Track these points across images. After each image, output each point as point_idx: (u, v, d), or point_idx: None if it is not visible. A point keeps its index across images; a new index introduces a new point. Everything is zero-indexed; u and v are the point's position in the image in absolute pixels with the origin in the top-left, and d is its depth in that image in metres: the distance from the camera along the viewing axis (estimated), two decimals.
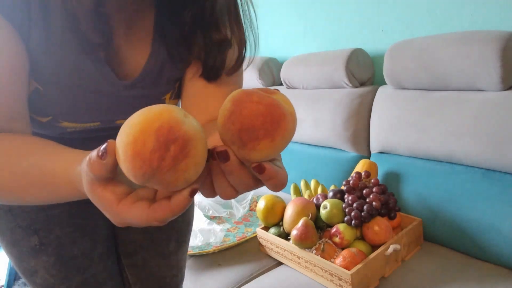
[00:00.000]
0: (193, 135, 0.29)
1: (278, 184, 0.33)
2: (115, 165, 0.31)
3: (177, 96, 0.65)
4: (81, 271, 0.73)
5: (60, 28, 0.48)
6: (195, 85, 0.60)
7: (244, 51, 0.59)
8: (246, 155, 0.31)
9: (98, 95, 0.57)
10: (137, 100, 0.60)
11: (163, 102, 0.63)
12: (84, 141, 0.64)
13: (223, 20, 0.56)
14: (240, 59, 0.59)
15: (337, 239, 0.98)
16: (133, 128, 0.29)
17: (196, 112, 0.59)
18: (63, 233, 0.71)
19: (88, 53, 0.52)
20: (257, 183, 0.34)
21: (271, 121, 0.30)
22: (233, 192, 0.34)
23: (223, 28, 0.56)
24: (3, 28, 0.46)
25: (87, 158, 0.32)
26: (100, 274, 0.75)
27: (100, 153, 0.31)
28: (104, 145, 0.31)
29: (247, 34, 0.58)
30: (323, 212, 1.03)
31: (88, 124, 0.60)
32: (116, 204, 0.33)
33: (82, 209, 0.72)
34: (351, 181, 1.07)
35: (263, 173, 0.31)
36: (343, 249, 0.97)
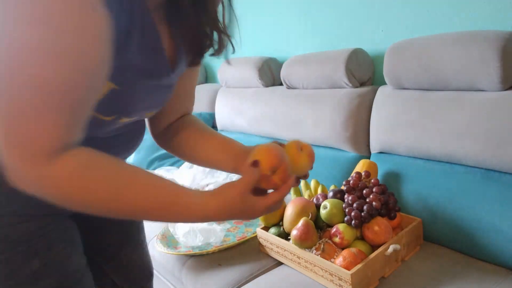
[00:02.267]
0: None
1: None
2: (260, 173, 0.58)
3: None
4: (79, 286, 0.69)
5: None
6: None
7: (223, 39, 0.63)
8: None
9: (158, 88, 0.61)
10: (166, 97, 0.66)
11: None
12: (115, 137, 0.65)
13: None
14: (220, 47, 0.63)
15: (337, 239, 0.98)
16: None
17: (174, 106, 0.72)
18: (59, 249, 0.67)
19: (159, 52, 0.57)
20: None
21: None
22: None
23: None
24: (107, 26, 0.44)
25: (244, 167, 0.59)
26: (90, 285, 0.73)
27: (252, 163, 0.58)
28: (253, 161, 0.58)
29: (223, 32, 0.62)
30: (323, 212, 1.03)
31: (132, 119, 0.63)
32: (264, 200, 0.57)
33: (67, 223, 0.69)
34: (351, 181, 1.07)
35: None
36: (343, 249, 0.97)
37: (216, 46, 0.62)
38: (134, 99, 0.58)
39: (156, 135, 0.76)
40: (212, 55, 0.64)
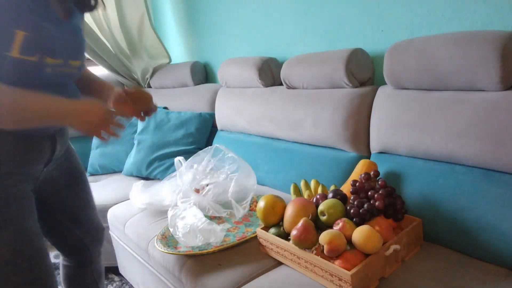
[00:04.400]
0: None
1: None
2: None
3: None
4: (31, 243, 0.92)
5: None
6: None
7: None
8: None
9: (63, 32, 0.90)
10: (76, 40, 0.95)
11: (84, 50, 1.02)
12: (56, 86, 0.92)
13: None
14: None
15: (338, 226, 0.98)
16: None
17: None
18: (16, 210, 0.89)
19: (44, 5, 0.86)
20: None
21: None
22: None
23: None
24: None
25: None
26: (41, 246, 0.95)
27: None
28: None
29: None
30: (322, 218, 1.03)
31: (58, 61, 0.88)
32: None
33: (26, 194, 0.94)
34: (357, 183, 1.07)
35: None
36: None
37: None
38: (46, 39, 0.84)
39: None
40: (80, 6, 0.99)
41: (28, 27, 0.79)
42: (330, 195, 1.10)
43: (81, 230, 1.19)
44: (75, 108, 0.88)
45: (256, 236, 1.18)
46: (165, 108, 2.26)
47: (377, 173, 1.11)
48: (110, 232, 1.75)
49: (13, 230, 0.88)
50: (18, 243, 0.88)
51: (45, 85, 0.87)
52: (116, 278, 1.93)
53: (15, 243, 0.88)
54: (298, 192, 1.35)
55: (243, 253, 1.16)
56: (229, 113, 1.89)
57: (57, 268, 1.77)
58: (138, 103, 1.05)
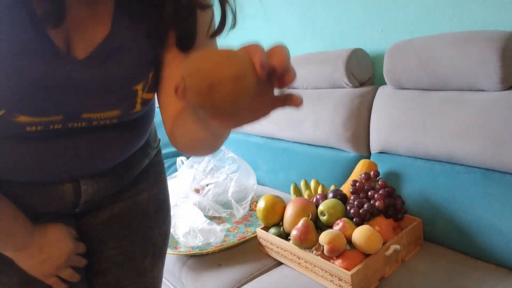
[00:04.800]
0: None
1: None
2: None
3: (151, 89, 0.58)
4: None
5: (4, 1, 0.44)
6: (169, 61, 0.57)
7: (227, 10, 0.55)
8: None
9: (52, 79, 0.50)
10: (100, 88, 0.54)
11: (134, 93, 0.57)
12: (50, 140, 0.56)
13: None
14: (223, 20, 0.55)
15: (338, 226, 0.98)
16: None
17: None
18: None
19: (36, 29, 0.46)
20: None
21: None
22: None
23: None
24: None
25: None
26: None
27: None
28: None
29: None
30: (322, 218, 1.03)
31: (49, 118, 0.52)
32: None
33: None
34: (357, 183, 1.07)
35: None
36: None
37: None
38: (12, 89, 0.47)
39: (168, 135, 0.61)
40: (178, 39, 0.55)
41: None
42: (330, 195, 1.10)
43: None
44: (24, 241, 0.60)
45: (256, 236, 1.18)
46: None
47: (377, 173, 1.11)
48: None
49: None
50: None
51: (42, 149, 0.56)
52: None
53: None
54: (298, 192, 1.35)
55: (243, 253, 1.16)
56: None
57: None
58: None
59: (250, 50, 0.32)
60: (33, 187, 0.62)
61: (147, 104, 0.60)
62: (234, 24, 0.57)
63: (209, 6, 0.56)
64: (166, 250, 0.81)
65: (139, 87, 0.57)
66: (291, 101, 0.37)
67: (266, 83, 0.35)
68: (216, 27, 0.56)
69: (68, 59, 0.50)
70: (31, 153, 0.56)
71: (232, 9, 0.55)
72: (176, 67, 0.57)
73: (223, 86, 0.30)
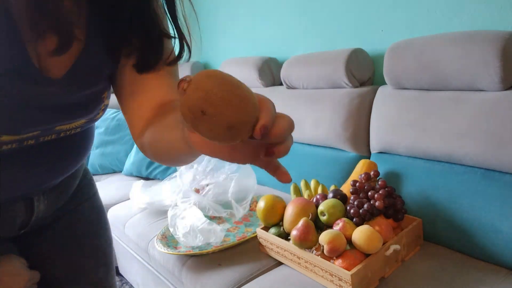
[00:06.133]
0: None
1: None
2: None
3: (110, 93, 0.62)
4: None
5: None
6: (130, 76, 0.57)
7: (184, 46, 0.59)
8: None
9: (33, 99, 0.50)
10: (77, 102, 0.55)
11: (100, 101, 0.59)
12: (14, 156, 0.55)
13: (161, 13, 0.57)
14: (181, 51, 0.59)
15: (338, 226, 0.98)
16: None
17: (143, 100, 0.57)
18: None
19: (17, 48, 0.46)
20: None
21: None
22: None
23: (162, 21, 0.57)
24: None
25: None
26: None
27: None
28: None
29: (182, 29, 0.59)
30: (322, 218, 1.03)
31: (27, 135, 0.53)
32: None
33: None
34: (357, 183, 1.07)
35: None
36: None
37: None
38: None
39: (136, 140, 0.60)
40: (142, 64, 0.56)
41: None
42: (330, 195, 1.10)
43: None
44: None
45: (256, 236, 1.18)
46: None
47: (377, 173, 1.11)
48: None
49: None
50: None
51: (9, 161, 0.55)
52: (116, 278, 1.93)
53: None
54: (298, 192, 1.35)
55: (243, 253, 1.16)
56: None
57: None
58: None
59: (262, 105, 0.32)
60: None
61: (106, 109, 0.63)
62: (189, 58, 0.61)
63: (173, 37, 0.59)
64: (113, 257, 0.81)
65: (105, 95, 0.59)
66: (278, 174, 0.37)
67: (258, 141, 0.33)
68: (173, 56, 0.59)
69: (47, 80, 0.50)
70: None
71: (188, 47, 0.59)
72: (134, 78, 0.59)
73: (214, 121, 0.29)
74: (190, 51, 0.60)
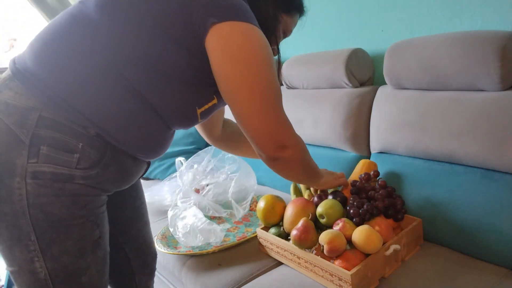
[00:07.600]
0: None
1: None
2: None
3: None
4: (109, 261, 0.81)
5: None
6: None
7: None
8: None
9: None
10: None
11: None
12: None
13: None
14: None
15: (338, 226, 0.98)
16: None
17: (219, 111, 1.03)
18: (106, 226, 0.79)
19: None
20: None
21: None
22: None
23: None
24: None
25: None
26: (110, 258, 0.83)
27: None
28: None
29: None
30: (322, 220, 1.03)
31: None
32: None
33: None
34: (357, 183, 1.07)
35: None
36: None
37: None
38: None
39: (213, 141, 1.11)
40: None
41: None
42: (330, 196, 1.10)
43: (131, 248, 0.98)
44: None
45: (256, 236, 1.18)
46: None
47: (377, 173, 1.11)
48: None
49: (104, 247, 0.78)
50: (105, 264, 0.79)
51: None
52: None
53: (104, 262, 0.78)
54: (298, 192, 1.34)
55: (243, 253, 1.16)
56: (229, 113, 1.88)
57: None
58: None
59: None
60: (144, 163, 0.83)
61: None
62: None
63: None
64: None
65: None
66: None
67: None
68: None
69: None
70: (168, 136, 0.83)
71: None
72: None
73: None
74: None
